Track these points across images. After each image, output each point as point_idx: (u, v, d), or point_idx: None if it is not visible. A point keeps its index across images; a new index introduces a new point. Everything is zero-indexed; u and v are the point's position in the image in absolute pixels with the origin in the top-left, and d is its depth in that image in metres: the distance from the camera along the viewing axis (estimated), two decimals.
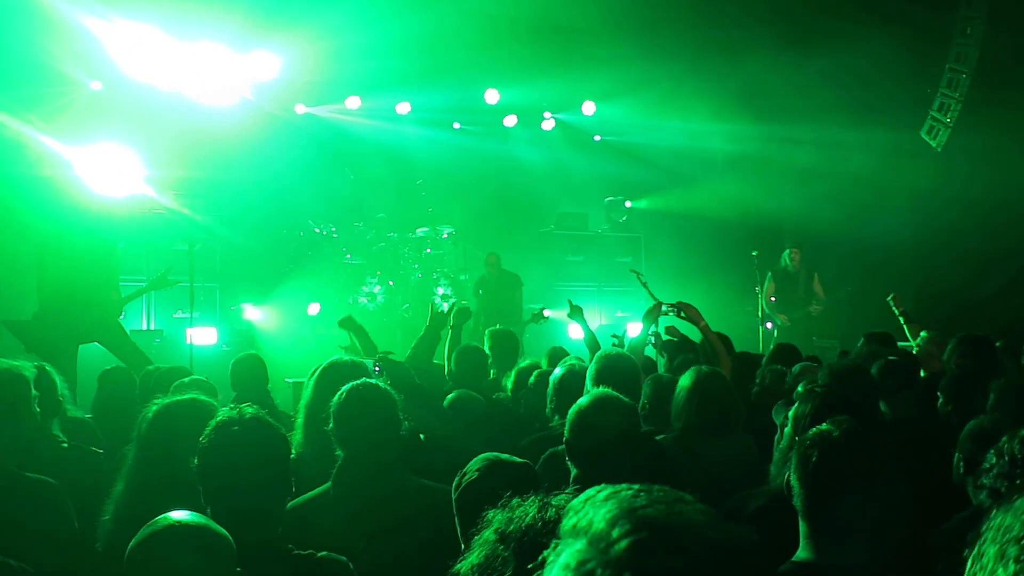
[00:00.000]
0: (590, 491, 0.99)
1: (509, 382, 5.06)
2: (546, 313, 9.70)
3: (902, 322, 6.49)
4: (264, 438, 2.33)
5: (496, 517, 1.63)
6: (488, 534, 1.61)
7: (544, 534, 1.51)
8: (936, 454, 3.10)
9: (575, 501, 0.99)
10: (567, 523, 0.97)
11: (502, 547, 1.56)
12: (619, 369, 3.76)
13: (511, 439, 3.79)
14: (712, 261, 11.36)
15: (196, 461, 2.30)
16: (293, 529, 2.44)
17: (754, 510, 2.76)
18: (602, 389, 2.94)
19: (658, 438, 3.69)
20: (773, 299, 9.53)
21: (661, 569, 0.87)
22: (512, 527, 1.57)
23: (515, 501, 1.64)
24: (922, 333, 6.04)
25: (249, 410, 2.40)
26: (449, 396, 4.31)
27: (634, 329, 9.07)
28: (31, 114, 8.64)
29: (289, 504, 2.68)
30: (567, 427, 2.84)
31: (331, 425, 2.89)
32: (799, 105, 10.40)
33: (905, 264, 10.69)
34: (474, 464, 2.35)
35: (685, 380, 3.75)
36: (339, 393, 2.93)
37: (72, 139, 8.35)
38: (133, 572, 1.81)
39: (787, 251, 9.88)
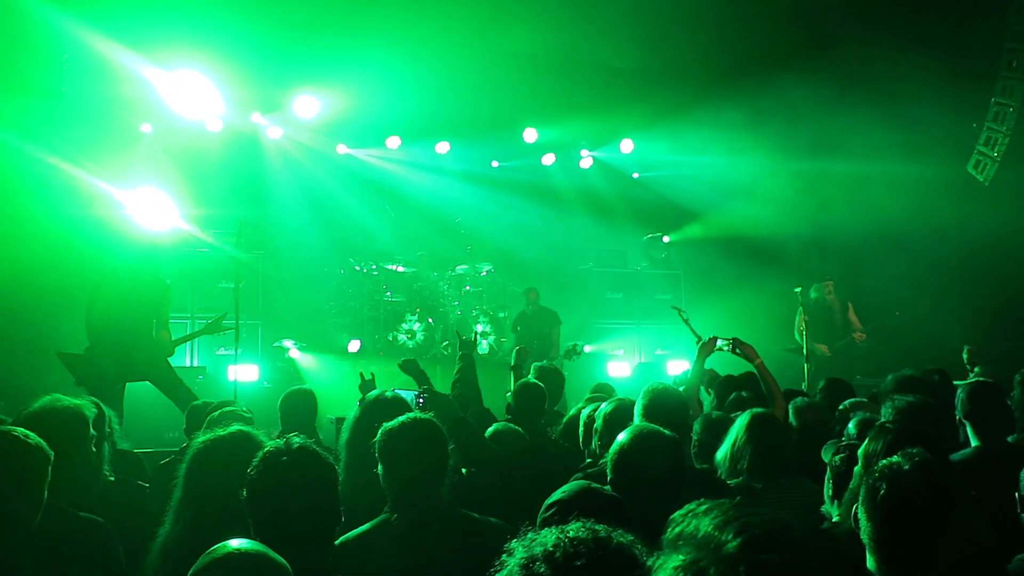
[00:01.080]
0: (690, 505, 1.03)
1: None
2: (586, 349, 9.64)
3: (976, 371, 6.36)
4: (312, 467, 2.33)
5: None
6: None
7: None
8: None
9: (676, 514, 1.02)
10: (670, 534, 1.00)
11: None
12: (667, 403, 3.69)
13: (556, 472, 3.73)
14: (753, 297, 11.23)
15: (244, 492, 2.31)
16: (346, 561, 2.41)
17: None
18: (643, 424, 2.89)
19: (730, 483, 3.58)
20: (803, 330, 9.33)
21: (773, 564, 0.90)
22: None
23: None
24: (975, 369, 5.91)
25: (297, 440, 2.40)
26: (490, 429, 4.28)
27: (675, 367, 8.97)
28: (83, 157, 8.90)
29: (341, 539, 2.68)
30: (609, 465, 2.78)
31: (379, 458, 2.87)
32: (842, 138, 10.33)
33: (953, 298, 10.48)
34: (568, 488, 2.32)
35: (741, 423, 3.66)
36: (388, 427, 2.92)
37: (123, 181, 8.57)
38: None
39: (820, 284, 9.79)
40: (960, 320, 9.84)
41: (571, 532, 1.51)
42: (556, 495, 2.33)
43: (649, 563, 1.03)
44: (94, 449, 2.98)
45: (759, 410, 3.69)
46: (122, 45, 8.79)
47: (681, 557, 0.95)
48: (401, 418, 2.99)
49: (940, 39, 9.61)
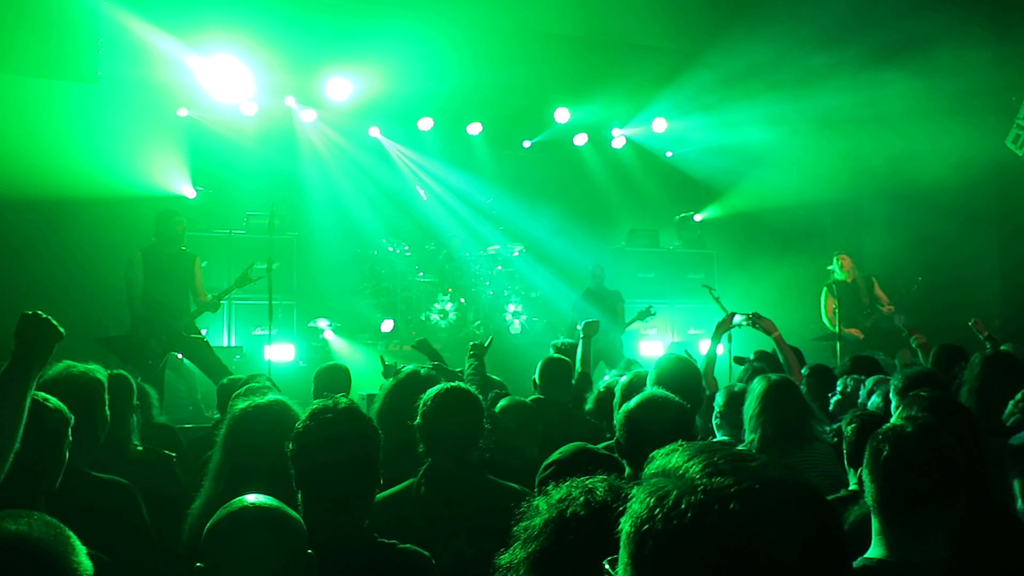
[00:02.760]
0: (671, 445, 1.06)
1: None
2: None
3: (988, 348, 6.23)
4: (356, 425, 2.41)
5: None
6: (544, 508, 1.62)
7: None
8: None
9: (657, 452, 1.06)
10: (648, 469, 1.04)
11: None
12: (678, 372, 3.74)
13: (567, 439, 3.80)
14: (786, 277, 11.13)
15: (291, 445, 2.38)
16: (378, 520, 2.50)
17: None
18: (653, 389, 2.94)
19: (738, 447, 3.62)
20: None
21: (730, 484, 0.93)
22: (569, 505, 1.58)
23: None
24: (1003, 347, 5.81)
25: (344, 400, 2.49)
26: (500, 403, 4.35)
27: (708, 346, 8.95)
28: (121, 142, 9.11)
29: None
30: (617, 428, 2.85)
31: (417, 421, 2.98)
32: (878, 113, 10.16)
33: (991, 277, 10.29)
34: (563, 449, 2.38)
35: (755, 389, 3.70)
36: (430, 393, 3.03)
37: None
38: (209, 551, 1.87)
39: (835, 259, 9.22)
40: (996, 291, 9.68)
41: (597, 489, 1.59)
42: (554, 455, 2.39)
43: (625, 494, 1.07)
44: (109, 412, 3.06)
45: (775, 376, 3.71)
46: (157, 28, 8.95)
47: (652, 485, 0.99)
48: (442, 384, 3.11)
49: (980, 13, 9.40)
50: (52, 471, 2.49)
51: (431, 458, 2.94)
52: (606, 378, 4.99)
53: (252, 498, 1.96)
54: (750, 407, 3.68)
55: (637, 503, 0.99)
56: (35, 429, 2.42)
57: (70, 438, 2.57)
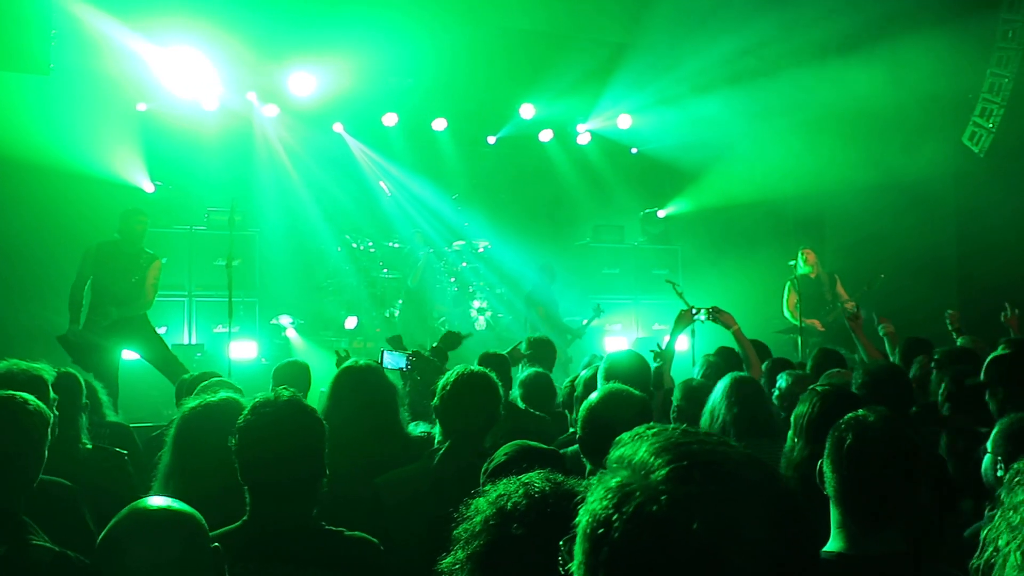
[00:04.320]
0: (638, 428, 1.02)
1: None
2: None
3: (959, 343, 6.31)
4: (298, 417, 2.39)
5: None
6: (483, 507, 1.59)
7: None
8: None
9: (623, 435, 1.02)
10: (613, 455, 1.00)
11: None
12: (626, 365, 3.78)
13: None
14: (751, 273, 11.22)
15: (233, 439, 2.37)
16: (386, 496, 2.61)
17: None
18: (613, 384, 2.94)
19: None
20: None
21: (696, 495, 0.88)
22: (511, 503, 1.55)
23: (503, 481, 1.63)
24: (959, 340, 5.90)
25: (285, 393, 2.46)
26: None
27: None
28: (78, 135, 8.92)
29: (383, 476, 2.87)
30: (579, 424, 2.86)
31: (436, 403, 3.04)
32: (838, 109, 10.26)
33: (949, 271, 10.46)
34: (503, 449, 2.36)
35: (720, 385, 3.71)
36: (449, 376, 3.08)
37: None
38: (104, 556, 1.92)
39: (799, 253, 9.17)
40: (953, 286, 9.84)
41: (536, 482, 1.56)
42: (496, 456, 2.38)
43: (586, 482, 1.04)
44: (56, 412, 3.01)
45: (738, 373, 3.73)
46: (114, 18, 8.77)
47: (615, 479, 0.95)
48: (459, 368, 3.14)
49: (935, 10, 9.53)
50: (32, 470, 2.48)
51: (449, 440, 2.98)
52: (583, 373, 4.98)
53: (153, 500, 1.99)
54: (715, 401, 3.69)
55: (597, 500, 0.95)
56: (16, 429, 2.42)
57: (50, 437, 2.55)
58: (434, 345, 5.64)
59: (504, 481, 1.62)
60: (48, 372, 3.13)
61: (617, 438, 1.02)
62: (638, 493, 0.90)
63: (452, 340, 5.81)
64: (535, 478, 1.59)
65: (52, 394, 3.10)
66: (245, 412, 2.41)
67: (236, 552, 2.14)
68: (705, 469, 0.91)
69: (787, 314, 9.21)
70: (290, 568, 2.20)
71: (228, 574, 2.00)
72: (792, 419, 2.84)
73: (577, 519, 0.97)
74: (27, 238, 8.64)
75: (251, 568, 2.18)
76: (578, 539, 0.96)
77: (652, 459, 0.94)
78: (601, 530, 0.91)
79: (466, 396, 2.99)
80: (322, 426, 2.45)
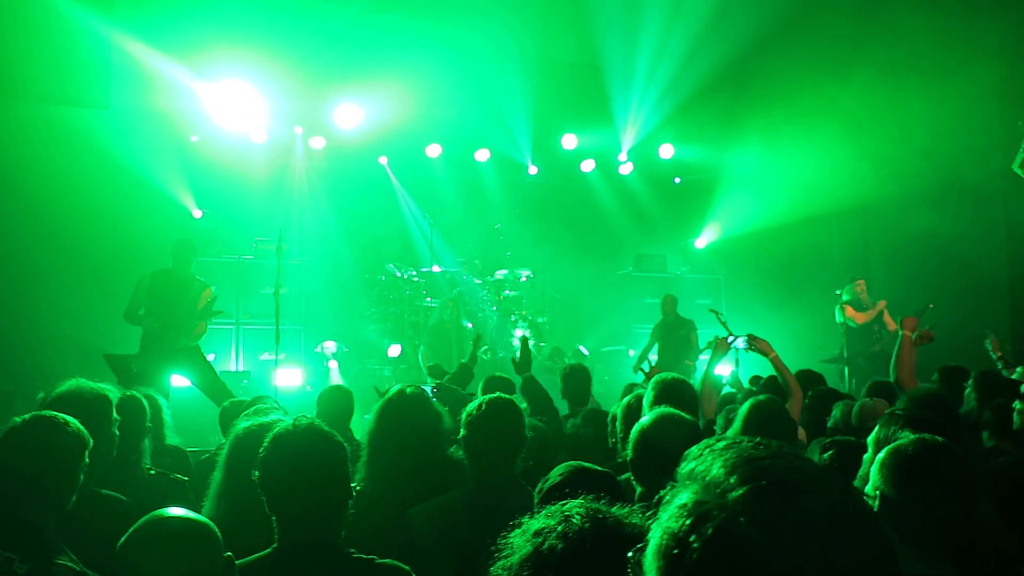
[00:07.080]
0: (708, 440, 0.99)
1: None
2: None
3: (1000, 368, 6.15)
4: (318, 444, 2.36)
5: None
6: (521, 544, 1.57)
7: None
8: None
9: (692, 449, 0.98)
10: (684, 468, 0.96)
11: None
12: (676, 391, 3.71)
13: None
14: (794, 302, 11.09)
15: (256, 472, 2.36)
16: (421, 526, 2.59)
17: None
18: (664, 408, 2.91)
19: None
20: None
21: (777, 519, 0.86)
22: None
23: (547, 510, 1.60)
24: (1018, 369, 5.76)
25: (304, 420, 2.45)
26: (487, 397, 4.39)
27: (717, 370, 8.93)
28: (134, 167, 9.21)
29: (417, 507, 2.87)
30: (630, 446, 2.81)
31: (463, 433, 3.01)
32: (891, 137, 10.12)
33: (1000, 301, 10.21)
34: (558, 470, 2.35)
35: (742, 409, 3.68)
36: (476, 403, 3.06)
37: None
38: (121, 565, 1.95)
39: (850, 285, 9.13)
40: (1005, 314, 9.60)
41: (575, 517, 1.53)
42: (552, 476, 2.35)
43: (657, 497, 1.01)
44: (117, 432, 3.06)
45: (762, 397, 3.67)
46: (167, 56, 9.08)
47: (688, 497, 0.91)
48: (486, 397, 3.11)
49: (986, 37, 9.40)
50: (65, 492, 2.47)
51: (479, 468, 2.97)
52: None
53: (170, 511, 2.03)
54: (735, 426, 3.65)
55: (672, 518, 0.91)
56: (52, 449, 2.42)
57: (87, 461, 2.55)
58: (448, 377, 5.68)
59: (545, 512, 1.59)
60: (113, 393, 3.17)
61: (686, 451, 0.99)
62: (715, 512, 0.88)
63: (464, 375, 5.83)
64: (576, 512, 1.54)
65: (115, 415, 3.13)
66: (266, 443, 2.39)
67: None
68: (783, 489, 0.88)
69: (847, 319, 8.98)
70: None
71: None
72: (870, 442, 2.76)
73: (649, 535, 0.95)
74: (90, 263, 8.93)
75: None
76: (650, 555, 0.93)
77: (727, 476, 0.90)
78: (676, 550, 0.89)
79: (493, 424, 2.96)
80: (344, 450, 2.41)
